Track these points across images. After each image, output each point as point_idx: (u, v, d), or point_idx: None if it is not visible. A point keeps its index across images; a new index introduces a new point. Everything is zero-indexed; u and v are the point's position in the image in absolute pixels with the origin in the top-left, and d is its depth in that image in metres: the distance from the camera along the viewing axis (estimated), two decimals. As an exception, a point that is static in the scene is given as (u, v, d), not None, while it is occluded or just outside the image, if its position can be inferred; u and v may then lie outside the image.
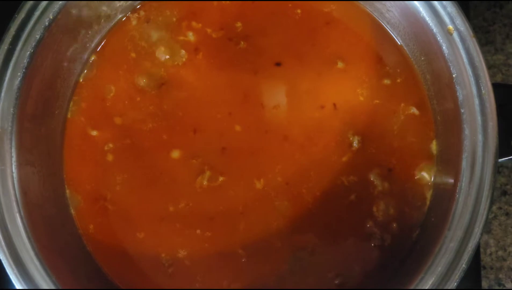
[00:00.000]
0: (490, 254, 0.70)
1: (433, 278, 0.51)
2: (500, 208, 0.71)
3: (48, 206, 0.60)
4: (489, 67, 0.73)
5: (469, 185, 0.51)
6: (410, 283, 0.52)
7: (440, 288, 0.50)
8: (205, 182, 0.61)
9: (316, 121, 0.62)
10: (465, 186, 0.52)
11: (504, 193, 0.71)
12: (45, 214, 0.59)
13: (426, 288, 0.50)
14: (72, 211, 0.63)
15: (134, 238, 0.61)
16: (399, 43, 0.63)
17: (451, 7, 0.53)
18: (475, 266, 0.68)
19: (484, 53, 0.72)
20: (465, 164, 0.52)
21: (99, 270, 0.62)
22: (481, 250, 0.70)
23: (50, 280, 0.54)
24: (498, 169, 0.70)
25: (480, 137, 0.52)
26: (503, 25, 0.74)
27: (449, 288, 0.50)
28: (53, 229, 0.59)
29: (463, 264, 0.50)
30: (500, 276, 0.69)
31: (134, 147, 0.63)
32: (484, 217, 0.51)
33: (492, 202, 0.51)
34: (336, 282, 0.59)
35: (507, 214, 0.70)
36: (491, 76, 0.71)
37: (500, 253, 0.70)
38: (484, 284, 0.69)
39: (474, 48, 0.53)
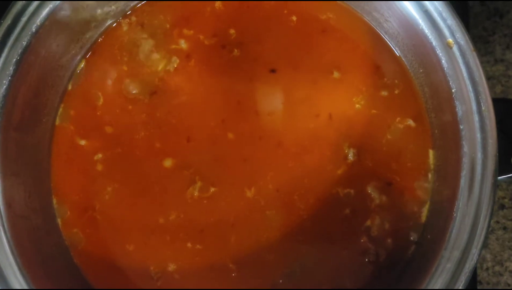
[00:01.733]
0: (487, 269, 0.69)
1: (429, 301, 0.49)
2: (497, 222, 0.70)
3: (34, 217, 0.58)
4: (489, 78, 0.72)
5: (467, 203, 0.50)
6: (405, 303, 0.51)
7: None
8: (196, 193, 0.60)
9: (311, 130, 0.60)
10: (463, 205, 0.50)
11: (502, 207, 0.70)
12: (30, 226, 0.57)
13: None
14: (59, 222, 0.61)
15: (123, 250, 0.60)
16: (397, 54, 0.61)
17: (451, 20, 0.52)
18: (471, 281, 0.67)
19: (484, 63, 0.71)
20: (463, 182, 0.51)
21: (85, 283, 0.60)
22: (478, 265, 0.69)
23: (33, 294, 0.53)
24: (496, 183, 0.69)
25: (479, 155, 0.50)
26: (503, 35, 0.73)
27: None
28: (38, 241, 0.58)
29: (459, 286, 0.49)
30: (497, 291, 0.68)
31: (125, 156, 0.62)
32: (483, 237, 0.49)
33: (490, 221, 0.49)
34: (329, 298, 0.58)
35: (504, 228, 0.69)
36: (491, 87, 0.70)
37: (497, 268, 0.69)
38: (480, 300, 0.68)
39: (474, 62, 0.52)
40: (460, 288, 0.49)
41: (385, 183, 0.59)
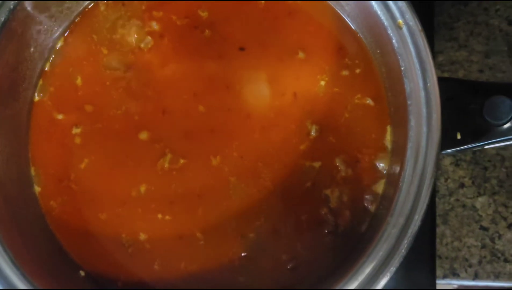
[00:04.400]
0: (446, 244, 0.72)
1: (374, 263, 0.52)
2: (457, 200, 0.72)
3: (10, 185, 0.60)
4: (452, 63, 0.74)
5: (413, 174, 0.53)
6: (353, 267, 0.53)
7: (379, 274, 0.51)
8: (166, 165, 0.63)
9: (276, 107, 0.63)
10: (409, 175, 0.53)
11: (462, 185, 0.72)
12: (6, 194, 0.59)
13: (366, 272, 0.52)
14: (36, 191, 0.64)
15: (96, 218, 0.63)
16: (359, 35, 0.64)
17: (401, 2, 0.55)
18: (431, 256, 0.70)
19: (448, 49, 0.74)
20: (409, 154, 0.53)
21: (60, 248, 0.63)
22: (437, 240, 0.71)
23: (7, 256, 0.55)
24: (456, 162, 0.72)
25: (424, 128, 0.53)
26: (467, 22, 0.75)
27: (387, 273, 0.51)
28: (14, 208, 0.60)
29: (402, 250, 0.51)
30: (455, 266, 0.71)
31: (104, 130, 0.64)
32: (425, 205, 0.52)
33: (434, 191, 0.52)
34: (289, 266, 0.61)
35: (464, 206, 0.72)
36: (454, 71, 0.73)
37: (455, 243, 0.72)
38: (439, 273, 0.71)
39: (422, 42, 0.54)
40: (403, 251, 0.51)
41: (350, 157, 0.62)
